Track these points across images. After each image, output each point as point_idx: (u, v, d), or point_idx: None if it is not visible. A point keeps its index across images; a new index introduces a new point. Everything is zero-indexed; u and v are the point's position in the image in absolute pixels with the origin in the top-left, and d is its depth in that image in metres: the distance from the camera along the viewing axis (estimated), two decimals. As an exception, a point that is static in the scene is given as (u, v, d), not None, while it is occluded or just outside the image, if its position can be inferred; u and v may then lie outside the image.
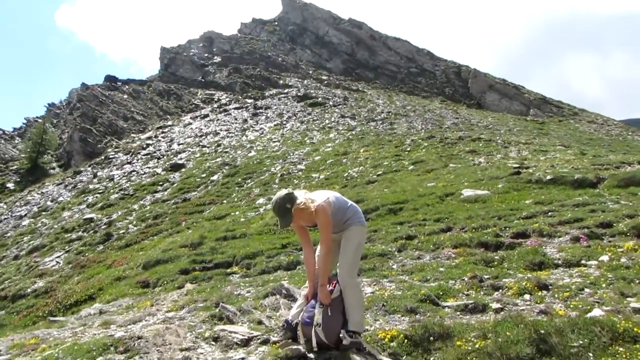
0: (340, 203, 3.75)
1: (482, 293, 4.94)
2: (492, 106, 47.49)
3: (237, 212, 16.01)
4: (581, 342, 3.34)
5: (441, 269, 5.99)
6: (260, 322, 4.48)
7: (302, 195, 3.63)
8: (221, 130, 36.34)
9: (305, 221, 3.69)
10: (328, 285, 3.64)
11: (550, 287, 4.75)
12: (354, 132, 30.38)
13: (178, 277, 8.96)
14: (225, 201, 19.11)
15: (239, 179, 22.23)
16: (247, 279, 7.71)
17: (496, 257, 6.20)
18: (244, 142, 31.82)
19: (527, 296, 4.61)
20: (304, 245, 3.83)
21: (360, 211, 3.85)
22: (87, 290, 10.07)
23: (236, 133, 35.03)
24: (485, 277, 5.39)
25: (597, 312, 3.81)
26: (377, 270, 6.47)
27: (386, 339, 3.84)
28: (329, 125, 34.12)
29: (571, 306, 4.16)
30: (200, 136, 35.27)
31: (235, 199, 19.03)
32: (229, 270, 8.82)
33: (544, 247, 6.26)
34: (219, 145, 31.83)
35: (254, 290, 6.27)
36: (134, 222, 18.56)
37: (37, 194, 29.74)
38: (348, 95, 45.16)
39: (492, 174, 13.44)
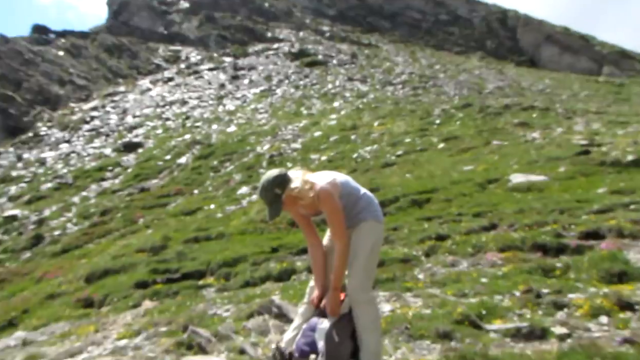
0: (351, 189, 3.77)
1: (540, 313, 4.92)
2: (550, 63, 47.22)
3: (212, 206, 16.10)
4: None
5: (483, 280, 6.00)
6: (242, 352, 4.50)
7: (298, 178, 3.63)
8: (190, 98, 36.29)
9: (306, 209, 3.73)
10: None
11: (636, 306, 4.71)
12: (365, 100, 30.39)
13: (133, 293, 9.01)
14: (196, 191, 19.21)
15: (215, 162, 22.27)
16: (225, 293, 7.80)
17: (558, 265, 6.18)
18: (220, 113, 31.87)
19: (603, 318, 4.58)
20: (307, 237, 3.90)
21: (377, 202, 3.88)
22: (5, 314, 10.03)
23: (210, 102, 35.01)
24: (544, 291, 5.36)
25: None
26: (398, 281, 6.52)
27: (411, 374, 3.84)
28: (333, 91, 34.11)
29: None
30: (163, 106, 35.25)
31: (210, 189, 19.07)
32: (201, 283, 8.86)
33: (625, 252, 6.19)
34: (187, 118, 31.88)
35: (235, 309, 6.33)
36: (74, 221, 18.57)
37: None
38: (357, 51, 44.94)
39: (550, 153, 13.50)
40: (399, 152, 17.85)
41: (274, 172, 3.61)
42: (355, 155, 18.82)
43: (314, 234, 3.88)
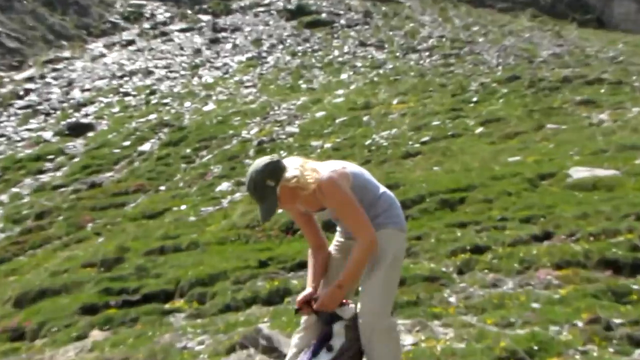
0: (366, 183, 3.85)
1: (610, 350, 4.91)
2: (624, 23, 46.91)
3: (183, 207, 16.14)
4: None
5: (535, 305, 5.98)
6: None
7: (295, 166, 3.70)
8: (157, 67, 36.27)
9: (306, 205, 3.82)
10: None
11: None
12: (381, 72, 30.36)
13: (78, 320, 8.94)
14: (163, 187, 19.20)
15: (188, 150, 22.30)
16: (199, 320, 7.79)
17: (634, 287, 6.19)
18: (195, 87, 31.86)
19: None
20: (309, 238, 4.03)
21: (399, 205, 3.97)
22: None
23: (182, 73, 35.03)
24: (616, 321, 5.36)
25: None
26: (423, 304, 6.54)
27: None
28: (340, 59, 34.03)
29: None
30: (121, 77, 35.21)
31: (181, 184, 19.12)
32: (168, 307, 8.87)
33: None
34: (152, 92, 31.78)
35: (211, 341, 6.35)
36: (1, 226, 18.45)
37: None
38: (372, 8, 44.84)
39: (623, 140, 13.47)
40: (425, 139, 17.79)
41: (264, 159, 3.69)
42: (368, 142, 18.77)
43: (318, 234, 4.02)
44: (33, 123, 29.86)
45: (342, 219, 3.80)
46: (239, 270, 9.45)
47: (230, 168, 19.47)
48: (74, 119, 28.96)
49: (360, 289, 3.81)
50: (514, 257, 7.50)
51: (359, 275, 3.73)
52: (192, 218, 14.66)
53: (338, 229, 4.08)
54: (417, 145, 17.41)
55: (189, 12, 46.99)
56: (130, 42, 42.22)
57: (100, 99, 31.98)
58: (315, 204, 3.78)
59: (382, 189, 3.93)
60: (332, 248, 4.07)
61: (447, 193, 11.21)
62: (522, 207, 9.78)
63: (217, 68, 35.46)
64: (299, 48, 37.15)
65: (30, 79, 36.95)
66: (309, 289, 3.91)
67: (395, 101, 23.86)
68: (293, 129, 22.47)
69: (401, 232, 3.87)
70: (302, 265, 8.91)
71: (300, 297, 3.90)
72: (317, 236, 4.00)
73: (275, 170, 3.62)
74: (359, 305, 3.75)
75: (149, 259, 11.27)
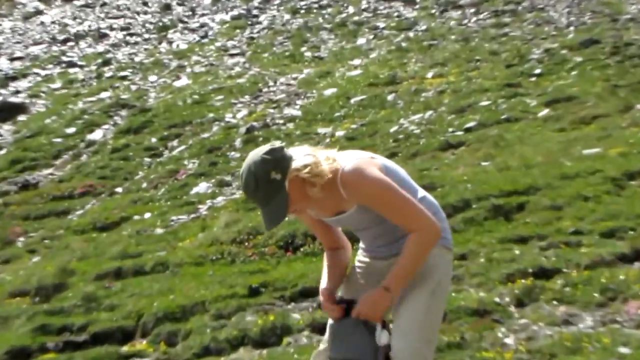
0: (402, 182, 3.85)
1: None
2: None
3: (147, 215, 16.29)
4: None
5: (623, 350, 5.97)
6: None
7: (305, 153, 3.75)
8: (112, 28, 36.38)
9: (319, 208, 3.88)
10: None
11: None
12: (411, 35, 30.51)
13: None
14: (119, 189, 19.35)
15: (153, 140, 22.52)
16: None
17: None
18: (163, 56, 32.09)
19: None
20: (325, 240, 4.18)
21: (444, 215, 4.04)
22: None
23: (146, 36, 35.10)
24: None
25: None
26: (470, 347, 6.58)
27: None
28: (356, 18, 34.25)
29: None
30: (64, 42, 35.39)
31: (144, 185, 19.25)
32: (126, 350, 8.83)
33: None
34: (106, 63, 31.99)
35: None
36: None
37: None
38: (400, -52, 44.77)
39: None
40: (470, 124, 17.77)
41: (263, 148, 3.72)
42: (394, 130, 18.80)
43: (335, 234, 4.14)
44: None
45: (384, 213, 3.73)
46: (221, 301, 9.37)
47: (209, 163, 19.50)
48: None
49: (392, 323, 3.84)
50: (593, 284, 7.42)
51: (413, 271, 3.72)
52: (159, 230, 14.74)
53: (361, 245, 4.08)
54: (460, 133, 17.37)
55: (155, -45, 47.21)
56: (75, -5, 42.49)
57: (36, 70, 32.16)
58: (331, 205, 3.81)
59: (422, 192, 3.93)
60: (352, 272, 4.10)
61: (501, 197, 11.15)
62: (604, 217, 9.67)
63: (193, 30, 35.57)
64: (302, 3, 37.29)
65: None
66: (326, 284, 4.02)
67: (430, 74, 23.89)
68: (294, 111, 22.51)
69: (447, 251, 3.90)
70: (307, 293, 8.99)
71: (323, 288, 3.99)
72: (333, 236, 4.12)
73: (281, 158, 3.63)
74: (392, 341, 3.76)
75: (100, 286, 11.21)
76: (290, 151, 3.74)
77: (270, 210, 3.63)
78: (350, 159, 3.73)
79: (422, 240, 3.63)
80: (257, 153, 3.68)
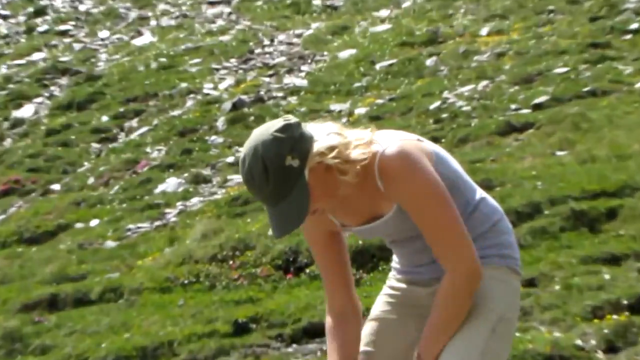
0: (456, 176, 3.71)
1: None
2: None
3: (94, 222, 16.34)
4: None
5: None
6: None
7: (329, 131, 3.52)
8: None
9: (348, 208, 3.66)
10: None
11: None
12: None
13: None
14: (56, 186, 19.53)
15: (104, 118, 22.71)
16: None
17: None
18: (118, 4, 32.24)
19: None
20: (332, 291, 3.93)
21: (511, 227, 3.85)
22: None
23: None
24: None
25: None
26: None
27: None
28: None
29: None
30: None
31: (91, 181, 19.36)
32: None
33: None
34: (39, 12, 32.16)
35: None
36: None
37: None
38: None
39: None
40: (541, 99, 17.80)
41: (274, 123, 3.52)
42: (435, 106, 18.85)
43: (347, 280, 3.91)
44: None
45: (418, 223, 3.56)
46: (196, 341, 9.46)
47: (181, 152, 19.71)
48: None
49: None
50: None
51: (452, 330, 3.61)
52: (110, 243, 14.72)
53: (394, 263, 3.94)
54: (526, 111, 17.47)
55: None
56: None
57: None
58: (362, 205, 3.65)
59: (480, 192, 3.78)
60: (381, 303, 3.95)
61: (584, 200, 11.18)
62: None
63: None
64: None
65: None
66: None
67: (484, 30, 23.95)
68: (297, 81, 22.69)
69: (515, 275, 3.74)
70: (314, 332, 9.01)
71: None
72: (346, 286, 3.89)
73: (299, 138, 3.44)
74: None
75: (27, 320, 11.21)
76: (309, 128, 3.56)
77: (283, 210, 3.46)
78: (392, 140, 3.54)
79: (459, 286, 3.55)
80: (265, 131, 3.47)
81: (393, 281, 3.91)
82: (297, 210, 3.45)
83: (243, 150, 3.47)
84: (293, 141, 3.41)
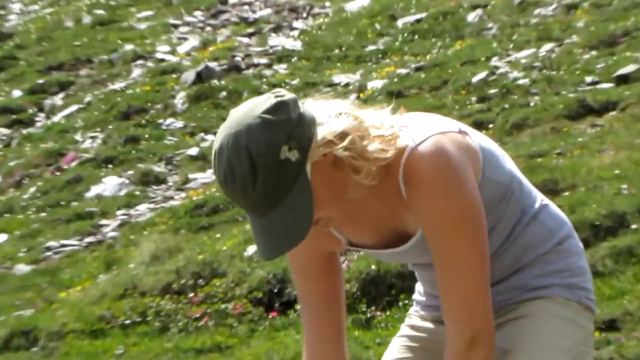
0: (512, 176, 3.73)
1: None
2: None
3: (1, 238, 17.03)
4: None
5: None
6: None
7: (338, 111, 3.49)
8: None
9: (359, 220, 3.68)
10: None
11: None
12: None
13: None
14: None
15: (16, 93, 24.88)
16: None
17: None
18: None
19: None
20: (310, 329, 4.08)
21: (580, 244, 3.91)
22: None
23: None
24: None
25: None
26: None
27: None
28: None
29: None
30: None
31: None
32: None
33: None
34: None
35: None
36: None
37: None
38: None
39: None
40: (626, 70, 17.84)
41: (262, 101, 3.50)
42: (480, 78, 19.14)
43: (336, 326, 4.10)
44: None
45: (434, 254, 3.61)
46: None
47: (125, 140, 19.78)
48: None
49: None
50: None
51: None
52: (22, 267, 14.83)
53: (418, 295, 4.04)
54: (607, 85, 17.51)
55: None
56: None
57: None
58: (380, 218, 3.66)
59: (542, 197, 3.85)
60: (397, 348, 4.05)
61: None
62: None
63: None
64: None
65: None
66: None
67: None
68: (288, 42, 22.77)
69: (586, 312, 3.84)
70: None
71: None
72: (336, 338, 4.09)
73: (297, 122, 3.38)
74: None
75: None
76: (309, 108, 3.48)
77: (276, 220, 3.39)
78: (426, 130, 3.53)
79: (465, 356, 3.75)
80: (250, 112, 3.39)
81: (415, 319, 4.13)
82: (297, 220, 3.48)
83: (217, 139, 3.46)
84: (290, 126, 3.46)
